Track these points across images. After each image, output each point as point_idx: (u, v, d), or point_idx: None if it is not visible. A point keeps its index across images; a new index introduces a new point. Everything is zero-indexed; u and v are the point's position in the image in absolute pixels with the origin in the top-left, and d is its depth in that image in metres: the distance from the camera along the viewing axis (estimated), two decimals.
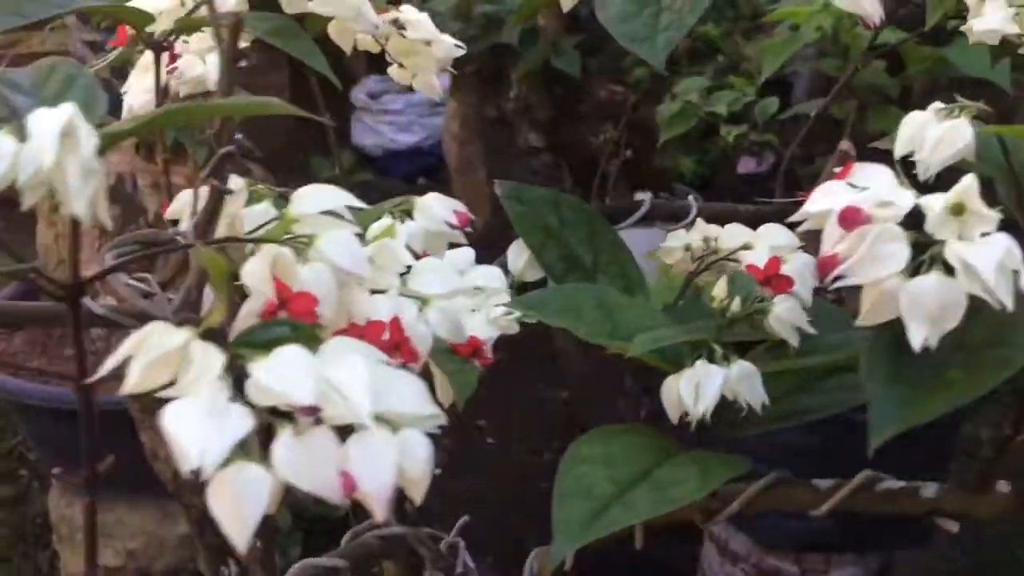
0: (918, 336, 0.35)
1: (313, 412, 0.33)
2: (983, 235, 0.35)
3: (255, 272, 0.39)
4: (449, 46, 0.73)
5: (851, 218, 0.36)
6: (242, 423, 0.32)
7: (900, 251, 0.36)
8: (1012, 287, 0.34)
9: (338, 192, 0.43)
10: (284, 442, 0.33)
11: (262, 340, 0.38)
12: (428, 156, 2.41)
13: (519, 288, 0.59)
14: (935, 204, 0.36)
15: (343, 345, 0.38)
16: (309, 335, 0.39)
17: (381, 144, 2.42)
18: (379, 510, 0.34)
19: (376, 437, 0.34)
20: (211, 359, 0.33)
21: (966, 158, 0.41)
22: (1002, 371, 0.35)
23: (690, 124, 1.40)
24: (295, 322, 0.39)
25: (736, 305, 0.47)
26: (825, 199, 0.38)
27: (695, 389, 0.43)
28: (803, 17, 1.29)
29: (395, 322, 0.44)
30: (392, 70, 0.75)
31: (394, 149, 2.42)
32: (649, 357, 0.47)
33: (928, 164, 0.41)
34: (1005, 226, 0.36)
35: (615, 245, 0.61)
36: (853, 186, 0.39)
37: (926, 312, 0.35)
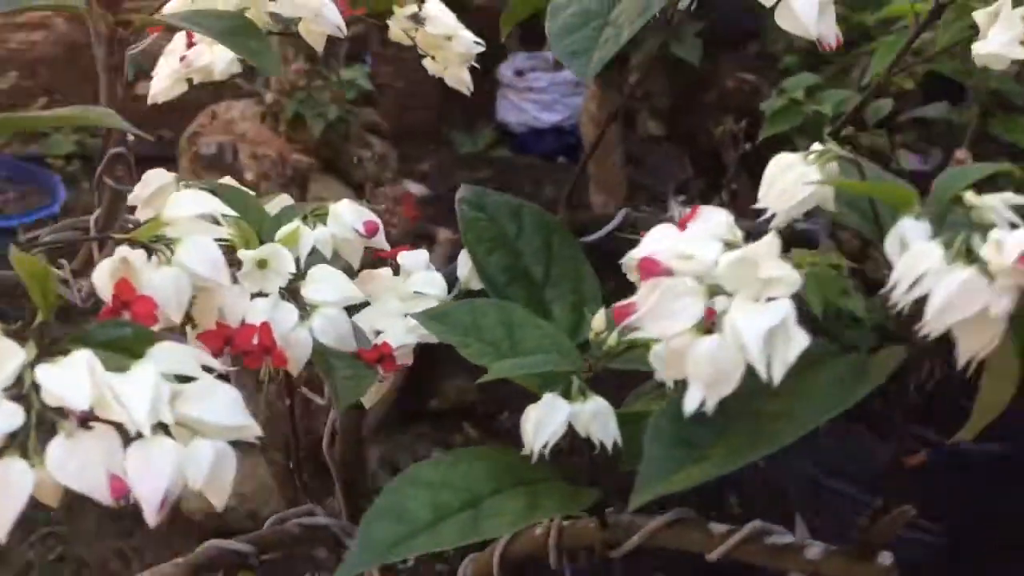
0: (693, 399, 0.33)
1: (86, 417, 0.35)
2: (770, 299, 0.33)
3: (102, 273, 0.41)
4: (468, 42, 0.73)
5: (647, 269, 0.35)
6: (5, 421, 0.34)
7: (691, 307, 0.34)
8: (785, 358, 0.32)
9: (209, 198, 0.44)
10: (58, 442, 0.35)
11: (99, 339, 0.40)
12: (569, 136, 2.41)
13: (466, 296, 0.59)
14: (724, 260, 0.34)
15: (166, 350, 0.39)
16: (146, 337, 0.41)
17: (524, 121, 2.43)
18: (149, 514, 0.36)
19: (153, 444, 0.36)
20: (4, 357, 0.36)
21: (822, 206, 0.39)
22: (769, 445, 0.33)
23: (794, 122, 1.34)
24: (136, 324, 0.41)
25: (612, 338, 0.46)
26: (650, 244, 0.37)
27: (537, 422, 0.42)
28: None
29: (265, 327, 0.45)
30: (426, 62, 0.76)
31: (536, 127, 2.43)
32: (529, 382, 0.47)
33: (776, 212, 0.38)
34: None
35: (573, 258, 0.60)
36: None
37: (703, 375, 0.33)
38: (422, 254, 0.60)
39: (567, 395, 0.44)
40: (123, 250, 0.42)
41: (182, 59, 0.66)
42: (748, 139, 1.73)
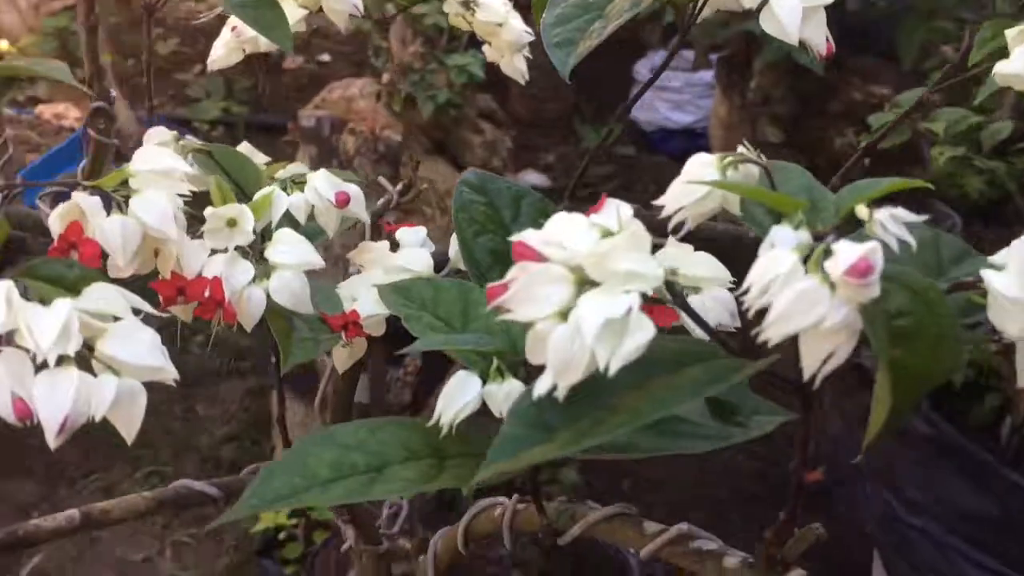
0: (544, 383, 0.34)
1: None
2: (627, 292, 0.33)
3: (55, 215, 0.44)
4: (519, 32, 0.74)
5: (519, 253, 0.35)
6: None
7: (556, 294, 0.34)
8: (623, 351, 0.32)
9: (171, 156, 0.47)
10: None
11: (43, 274, 0.44)
12: (700, 137, 2.37)
13: (455, 275, 0.60)
14: (588, 250, 0.34)
15: (98, 291, 0.42)
16: (91, 278, 0.43)
17: (655, 120, 2.41)
18: (49, 435, 0.38)
19: (60, 373, 0.38)
20: None
21: (727, 208, 0.38)
22: (606, 434, 0.33)
23: (903, 136, 1.28)
24: (84, 266, 0.44)
25: None
26: (545, 230, 0.37)
27: (448, 397, 0.43)
28: None
29: (216, 281, 0.48)
30: (485, 48, 0.77)
31: (667, 127, 2.40)
32: (467, 359, 0.47)
33: (675, 217, 0.38)
34: None
35: None
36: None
37: (553, 361, 0.33)
38: (420, 231, 0.61)
39: (485, 375, 0.44)
40: (78, 195, 0.44)
41: (233, 29, 0.69)
42: (867, 154, 1.67)
